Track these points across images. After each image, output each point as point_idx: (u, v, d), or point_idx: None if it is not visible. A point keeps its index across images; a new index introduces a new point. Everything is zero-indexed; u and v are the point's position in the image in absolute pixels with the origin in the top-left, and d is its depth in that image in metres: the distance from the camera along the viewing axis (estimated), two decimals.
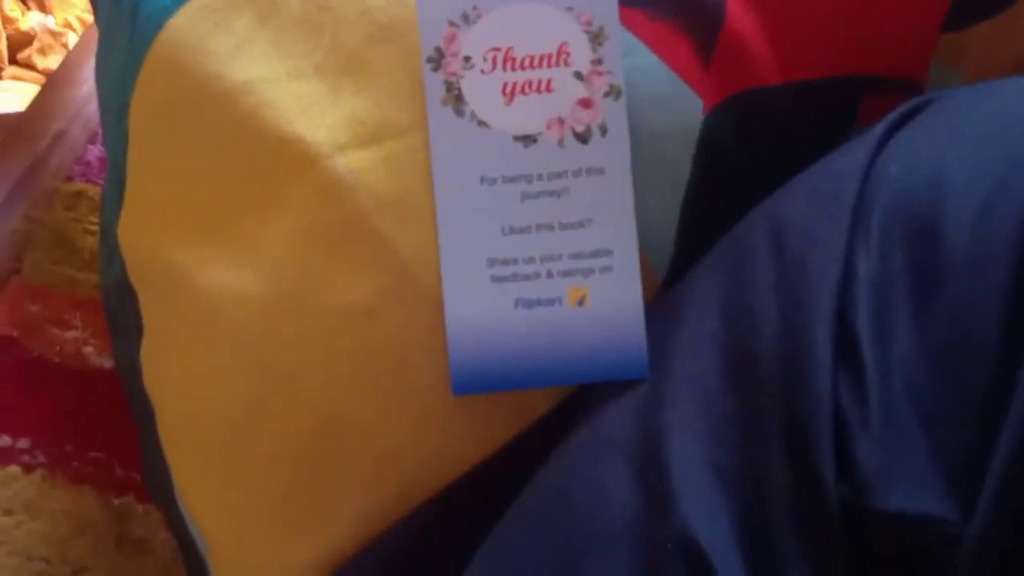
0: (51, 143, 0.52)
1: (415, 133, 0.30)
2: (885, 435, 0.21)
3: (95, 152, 0.51)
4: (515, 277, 0.29)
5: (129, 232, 0.36)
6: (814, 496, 0.22)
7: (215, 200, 0.32)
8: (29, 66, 0.92)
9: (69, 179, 0.49)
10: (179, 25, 0.33)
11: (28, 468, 0.41)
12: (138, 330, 0.37)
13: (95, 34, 0.40)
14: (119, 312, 0.39)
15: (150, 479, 0.41)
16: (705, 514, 0.23)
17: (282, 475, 0.31)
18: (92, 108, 0.54)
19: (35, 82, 0.88)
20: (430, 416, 0.30)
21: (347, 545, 0.31)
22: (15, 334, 0.43)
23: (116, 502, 0.41)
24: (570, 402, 0.30)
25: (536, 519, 0.27)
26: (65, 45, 0.91)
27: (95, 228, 0.47)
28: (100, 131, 0.52)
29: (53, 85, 0.55)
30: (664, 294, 0.30)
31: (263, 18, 0.32)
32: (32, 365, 0.43)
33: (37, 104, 0.54)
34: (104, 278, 0.42)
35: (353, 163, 0.30)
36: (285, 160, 0.30)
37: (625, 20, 0.30)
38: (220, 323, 0.32)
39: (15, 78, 0.90)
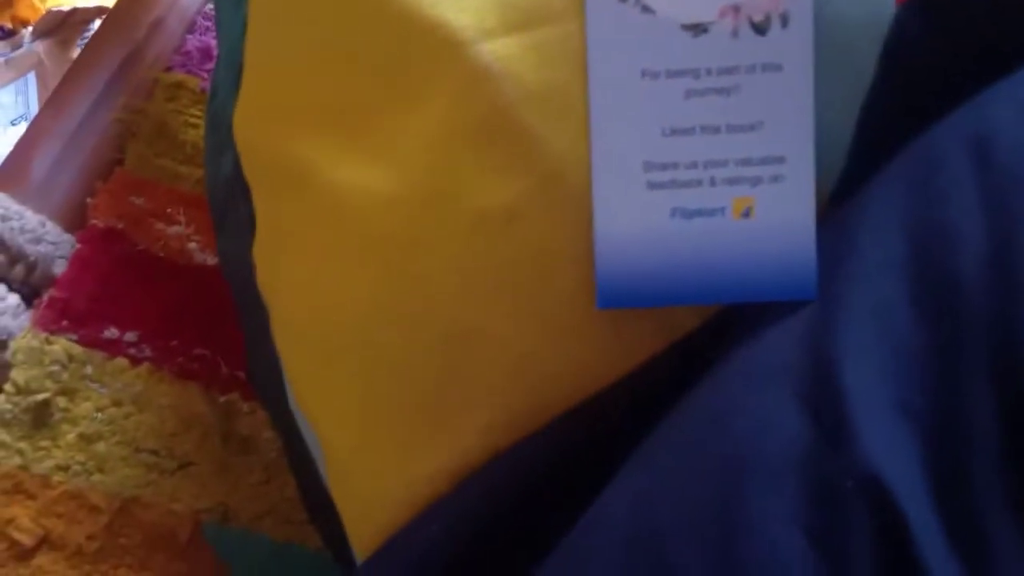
0: (148, 33, 0.50)
1: (570, 19, 0.27)
2: None
3: (194, 42, 0.49)
4: (674, 183, 0.26)
5: (246, 123, 0.34)
6: None
7: (345, 90, 0.30)
8: None
9: (168, 69, 0.48)
10: None
11: (135, 361, 0.41)
12: (250, 227, 0.35)
13: None
14: (228, 208, 0.38)
15: (257, 378, 0.41)
16: (891, 453, 0.21)
17: (409, 382, 0.30)
18: None
19: None
20: (570, 327, 0.28)
21: (474, 457, 0.29)
22: (120, 226, 0.42)
23: (222, 399, 0.41)
24: (721, 321, 0.28)
25: (689, 444, 0.25)
26: None
27: (197, 120, 0.46)
28: (197, 20, 0.51)
29: None
30: (834, 210, 0.27)
31: None
32: (137, 259, 0.42)
33: None
34: (212, 172, 0.41)
35: (501, 50, 0.27)
36: (426, 46, 0.28)
37: None
38: (348, 222, 0.30)
39: None
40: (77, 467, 0.39)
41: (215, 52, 0.48)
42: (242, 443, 0.41)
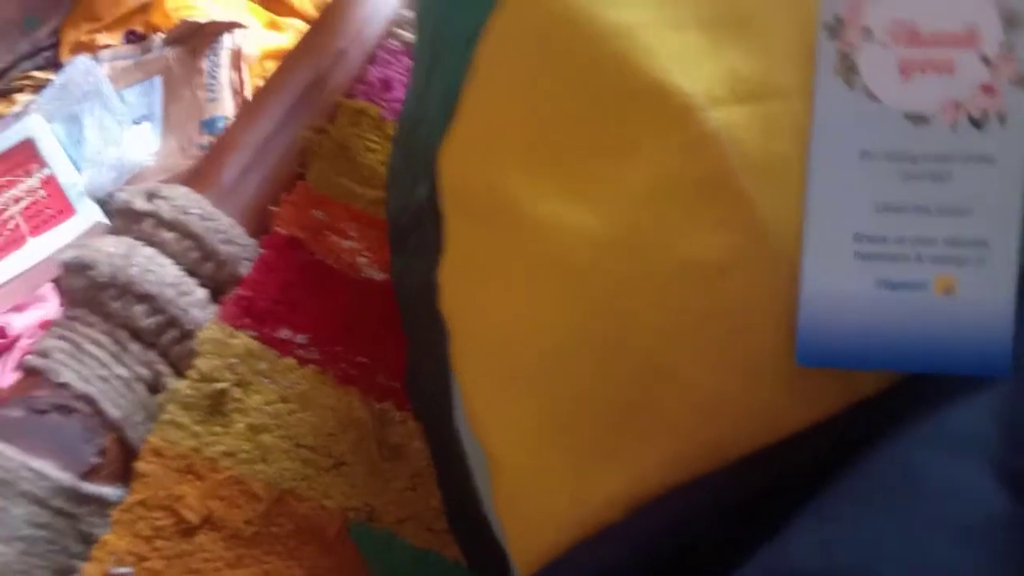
0: (332, 61, 0.54)
1: (797, 98, 0.29)
2: None
3: (375, 73, 0.53)
4: (881, 256, 0.28)
5: (455, 158, 0.37)
6: None
7: (566, 137, 0.33)
8: None
9: (350, 96, 0.52)
10: None
11: (303, 362, 0.44)
12: (436, 251, 0.38)
13: None
14: (413, 232, 0.41)
15: (415, 391, 0.43)
16: None
17: (595, 409, 0.32)
18: (371, 30, 0.56)
19: None
20: (761, 377, 0.30)
21: (648, 489, 0.31)
22: (301, 236, 0.46)
23: (378, 406, 0.44)
24: (904, 389, 0.30)
25: (879, 499, 0.27)
26: None
27: (375, 146, 0.49)
28: (379, 53, 0.54)
29: (337, 6, 0.57)
30: None
31: None
32: (314, 267, 0.46)
33: (321, 23, 0.57)
34: (398, 196, 0.44)
35: (727, 118, 0.30)
36: (654, 106, 0.31)
37: None
38: (551, 255, 0.33)
39: None
40: (243, 455, 0.42)
41: (394, 83, 0.52)
42: (393, 450, 0.43)
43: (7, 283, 0.68)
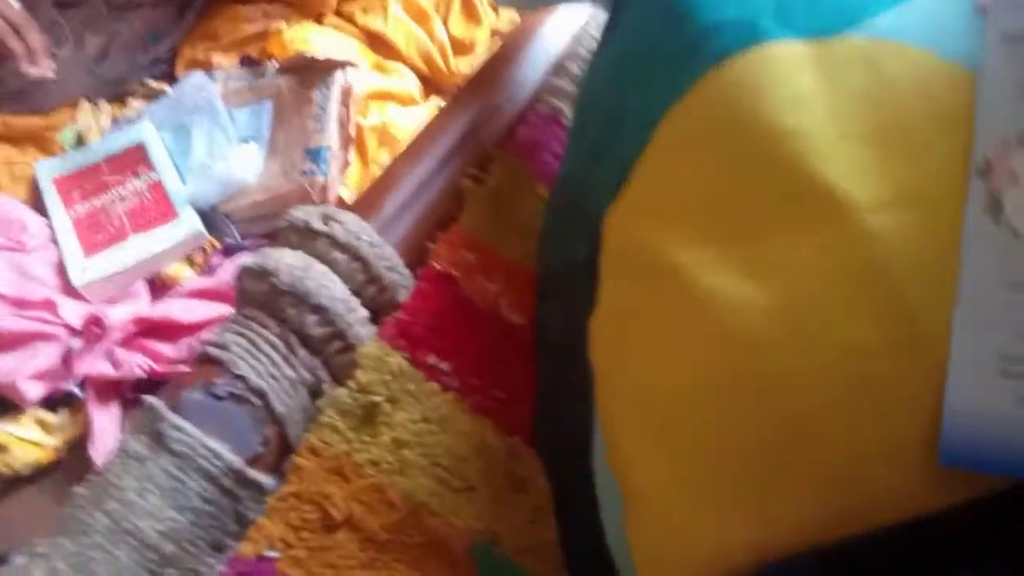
0: (488, 115, 0.59)
1: (952, 208, 0.33)
2: None
3: (525, 132, 0.58)
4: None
5: (623, 224, 0.41)
6: None
7: (735, 217, 0.37)
8: (350, 20, 1.02)
9: (504, 151, 0.56)
10: (741, 67, 0.38)
11: (445, 388, 0.48)
12: (588, 304, 0.42)
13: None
14: (567, 284, 0.45)
15: (546, 428, 0.47)
16: None
17: (741, 462, 0.35)
18: (524, 92, 0.61)
19: (351, 34, 0.97)
20: (900, 458, 0.33)
21: (782, 543, 0.34)
22: (455, 273, 0.50)
23: (508, 440, 0.47)
24: None
25: None
26: (385, 7, 1.00)
27: (526, 200, 0.54)
28: (528, 115, 0.59)
29: (496, 64, 0.62)
30: None
31: (825, 80, 0.37)
32: (462, 303, 0.50)
33: (480, 78, 0.62)
34: (553, 251, 0.48)
35: (887, 222, 0.34)
36: (823, 204, 0.35)
37: None
38: (712, 320, 0.37)
39: (335, 27, 1.00)
40: (386, 465, 0.45)
41: (542, 146, 0.57)
42: (518, 482, 0.47)
43: (108, 277, 0.73)
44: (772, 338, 0.35)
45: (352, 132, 0.84)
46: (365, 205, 0.53)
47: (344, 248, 0.48)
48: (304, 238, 0.49)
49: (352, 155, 0.83)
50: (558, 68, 0.60)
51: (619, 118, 0.44)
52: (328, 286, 0.46)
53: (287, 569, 0.43)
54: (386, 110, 0.87)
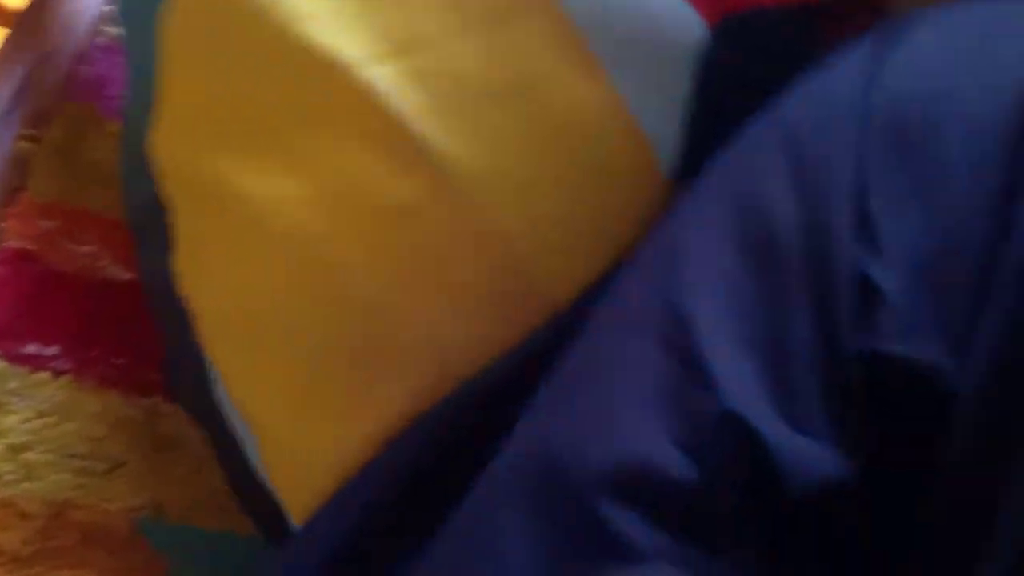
0: (39, 64, 0.52)
1: (446, 43, 0.32)
2: (900, 300, 0.25)
3: (88, 72, 0.51)
4: None
5: (165, 145, 0.38)
6: (833, 346, 0.26)
7: (253, 111, 0.35)
8: None
9: (65, 98, 0.50)
10: None
11: (57, 374, 0.43)
12: (170, 242, 0.39)
13: None
14: (149, 226, 0.41)
15: (176, 380, 0.44)
16: (741, 385, 0.26)
17: (332, 358, 0.34)
18: (80, 26, 0.54)
19: None
20: (467, 307, 0.33)
21: (401, 422, 0.34)
22: (32, 248, 0.45)
23: (144, 402, 0.44)
24: (587, 297, 0.34)
25: (571, 386, 0.31)
26: None
27: (99, 145, 0.48)
28: (89, 51, 0.53)
29: (35, 9, 0.54)
30: (679, 187, 0.34)
31: None
32: (51, 278, 0.44)
33: (20, 29, 0.54)
34: (129, 193, 0.44)
35: (389, 72, 0.32)
36: (322, 70, 0.33)
37: None
38: (265, 225, 0.35)
39: None
40: (8, 477, 0.41)
41: (109, 81, 0.51)
42: (168, 441, 0.43)
43: None
44: (316, 226, 0.34)
45: None
46: None
47: None
48: None
49: None
50: None
51: (133, 26, 0.40)
52: None
53: None
54: None
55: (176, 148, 0.37)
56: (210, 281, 0.37)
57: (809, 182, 0.29)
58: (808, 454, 0.26)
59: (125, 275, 0.46)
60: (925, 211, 0.27)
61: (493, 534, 0.29)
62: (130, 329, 0.45)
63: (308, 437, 0.35)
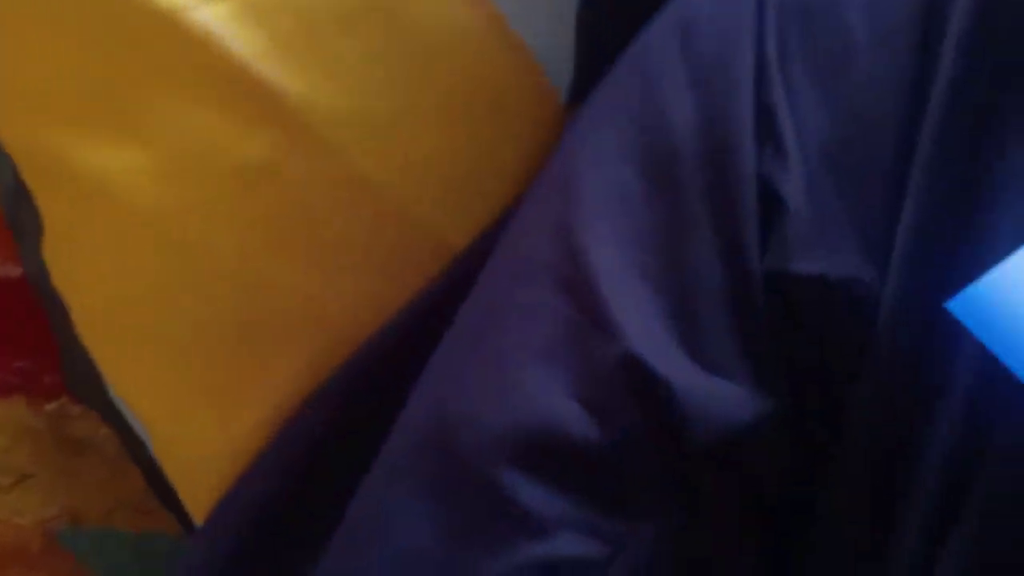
0: None
1: None
2: (807, 206, 0.22)
3: None
4: None
5: (10, 126, 0.34)
6: (740, 271, 0.23)
7: (83, 76, 0.31)
8: None
9: None
10: None
11: None
12: (40, 230, 0.35)
13: None
14: (21, 216, 0.38)
15: (74, 379, 0.41)
16: (645, 324, 0.24)
17: (208, 344, 0.31)
18: None
19: None
20: (347, 265, 0.30)
21: (291, 404, 0.31)
22: None
23: (49, 407, 0.41)
24: (485, 240, 0.30)
25: (469, 345, 0.27)
26: None
27: None
28: None
29: None
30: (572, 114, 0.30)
31: None
32: None
33: None
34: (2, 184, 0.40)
35: (217, 13, 0.28)
36: (147, 18, 0.29)
37: None
38: (116, 204, 0.31)
39: None
40: None
41: None
42: (78, 445, 0.41)
43: None
44: (170, 197, 0.30)
45: None
46: None
47: None
48: None
49: None
50: None
51: None
52: None
53: None
54: None
55: (17, 126, 0.33)
56: (75, 269, 0.34)
57: (707, 80, 0.25)
58: (720, 398, 0.23)
59: (15, 271, 0.43)
60: (829, 97, 0.23)
61: (388, 521, 0.26)
62: (29, 329, 0.42)
63: (194, 429, 0.32)
